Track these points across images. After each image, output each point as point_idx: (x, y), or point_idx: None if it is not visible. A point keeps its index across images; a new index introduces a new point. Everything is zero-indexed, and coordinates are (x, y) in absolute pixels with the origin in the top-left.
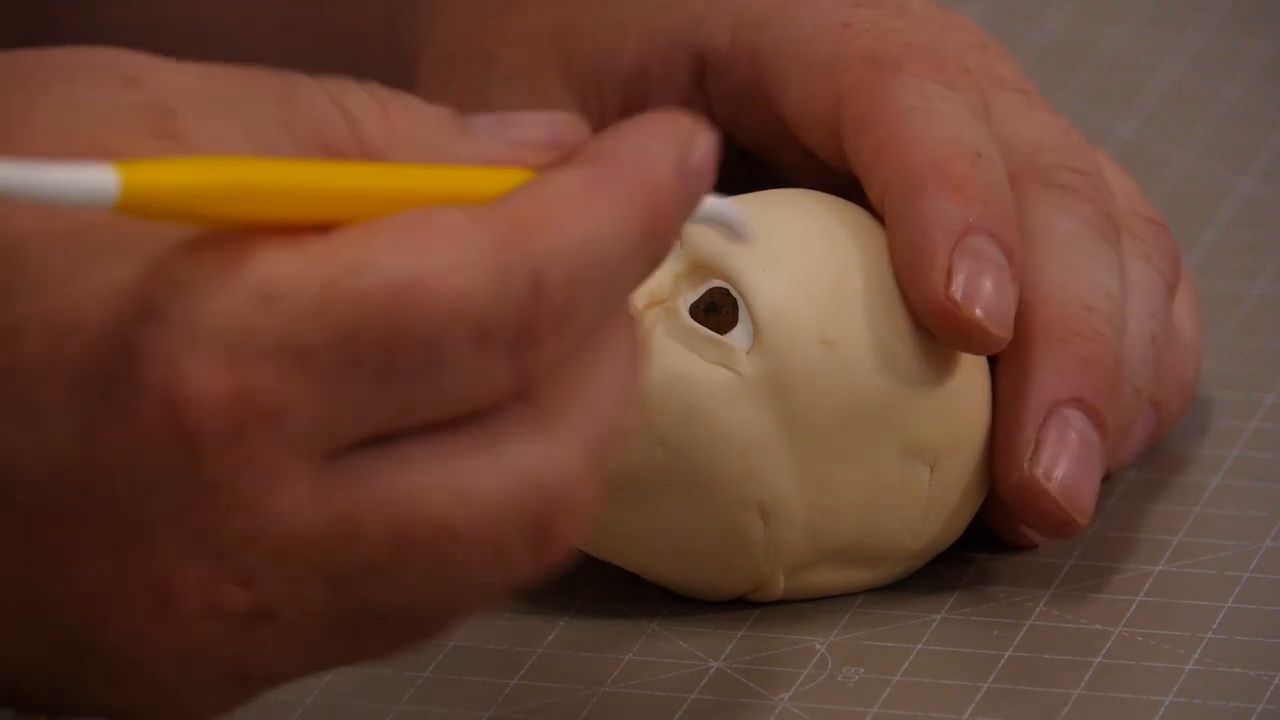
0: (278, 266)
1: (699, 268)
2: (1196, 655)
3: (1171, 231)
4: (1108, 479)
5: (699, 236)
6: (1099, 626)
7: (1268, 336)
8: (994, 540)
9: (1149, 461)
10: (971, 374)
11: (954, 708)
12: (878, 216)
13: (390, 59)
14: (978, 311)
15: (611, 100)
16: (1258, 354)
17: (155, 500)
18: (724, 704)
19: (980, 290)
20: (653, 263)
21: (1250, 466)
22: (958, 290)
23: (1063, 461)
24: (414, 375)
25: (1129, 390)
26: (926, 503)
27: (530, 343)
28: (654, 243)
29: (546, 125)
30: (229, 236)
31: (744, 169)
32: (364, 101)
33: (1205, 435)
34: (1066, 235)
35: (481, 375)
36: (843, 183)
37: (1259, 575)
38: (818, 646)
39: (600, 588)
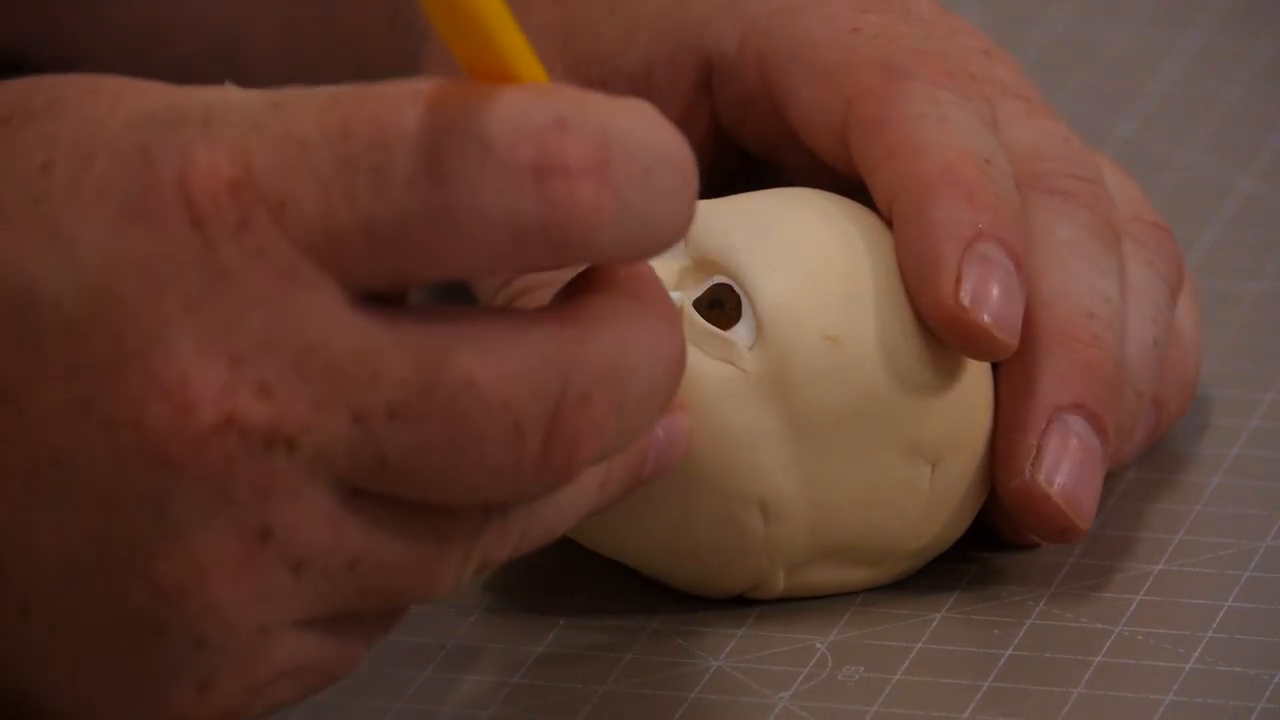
0: (294, 88)
1: (703, 263)
2: (1197, 654)
3: (1172, 232)
4: (1108, 478)
5: (704, 233)
6: (1099, 625)
7: (1267, 335)
8: (995, 539)
9: (1149, 460)
10: (974, 374)
11: (954, 706)
12: (883, 219)
13: (393, 59)
14: (985, 317)
15: None
16: (1257, 353)
17: (170, 294)
18: (724, 703)
19: (988, 296)
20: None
21: (1250, 465)
22: (966, 295)
23: (1064, 467)
24: (410, 182)
25: (1130, 394)
26: (927, 502)
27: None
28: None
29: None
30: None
31: (747, 172)
32: None
33: (1205, 434)
34: (1066, 241)
35: (498, 196)
36: (847, 187)
37: (1259, 574)
38: (818, 645)
39: (600, 586)
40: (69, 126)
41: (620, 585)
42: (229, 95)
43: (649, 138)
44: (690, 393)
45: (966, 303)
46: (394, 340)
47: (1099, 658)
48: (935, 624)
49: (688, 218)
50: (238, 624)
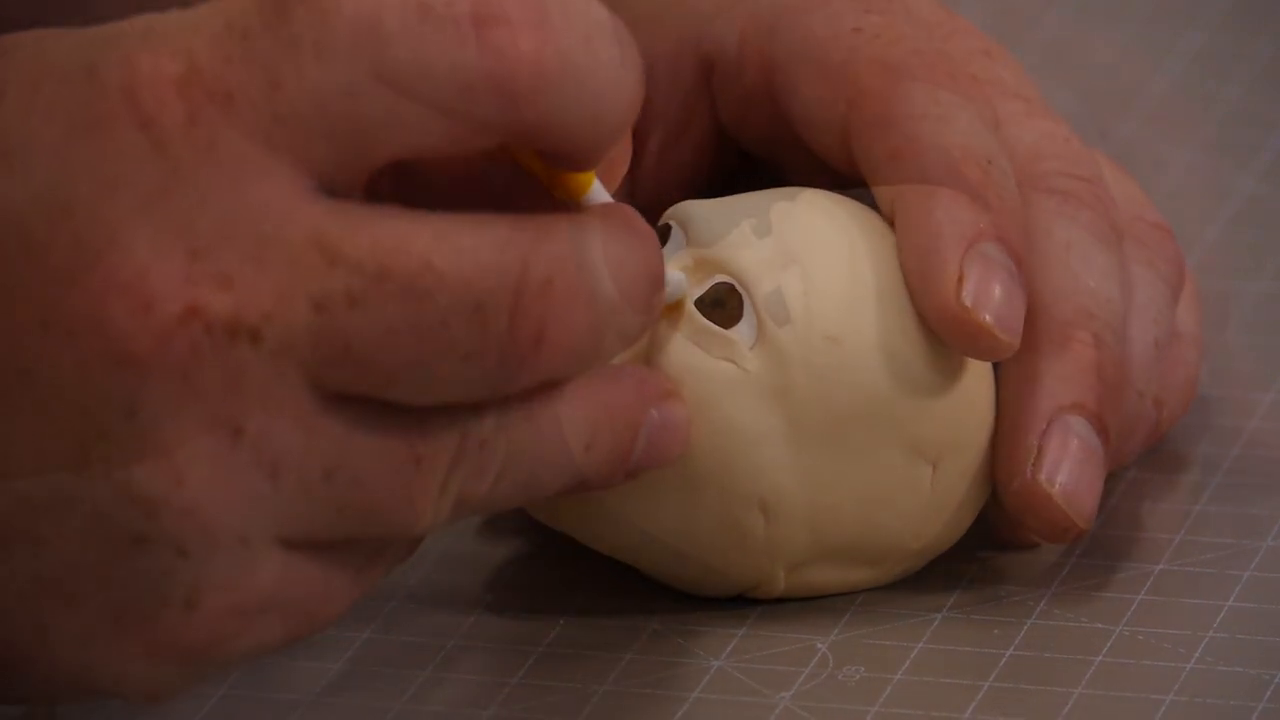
0: None
1: (705, 263)
2: (1197, 654)
3: (1173, 231)
4: (1108, 478)
5: (705, 233)
6: (1100, 625)
7: (1268, 335)
8: (995, 539)
9: (1149, 460)
10: (975, 374)
11: (955, 706)
12: (885, 220)
13: None
14: (987, 317)
15: None
16: (1257, 353)
17: (123, 196)
18: (725, 702)
19: (990, 296)
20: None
21: (1250, 465)
22: (968, 296)
23: (1065, 467)
24: (353, 47)
25: (1132, 394)
26: (928, 502)
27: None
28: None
29: None
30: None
31: (747, 172)
32: None
33: (1205, 434)
34: (1067, 242)
35: (441, 49)
36: (847, 187)
37: (1260, 574)
38: (819, 645)
39: (600, 586)
40: (18, 64)
41: (620, 585)
42: (166, 15)
43: (586, 9)
44: (691, 391)
45: (968, 303)
46: (349, 227)
47: (1099, 658)
48: (935, 624)
49: (636, 90)
50: (217, 530)
